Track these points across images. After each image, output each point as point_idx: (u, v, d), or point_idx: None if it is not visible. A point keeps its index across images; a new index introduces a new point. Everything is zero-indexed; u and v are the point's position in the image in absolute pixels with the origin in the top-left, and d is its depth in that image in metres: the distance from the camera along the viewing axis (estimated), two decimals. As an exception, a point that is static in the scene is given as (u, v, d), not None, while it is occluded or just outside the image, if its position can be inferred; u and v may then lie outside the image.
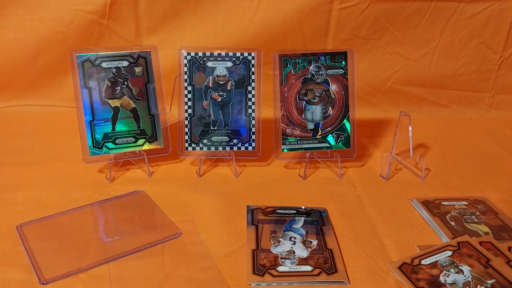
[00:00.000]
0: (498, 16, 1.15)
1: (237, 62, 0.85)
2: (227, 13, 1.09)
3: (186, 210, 0.75)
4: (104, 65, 0.82)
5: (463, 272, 0.61)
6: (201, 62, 0.85)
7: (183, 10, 1.09)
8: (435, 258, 0.64)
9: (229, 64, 0.85)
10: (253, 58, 0.85)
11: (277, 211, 0.75)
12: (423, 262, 0.63)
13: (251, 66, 0.86)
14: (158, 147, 0.87)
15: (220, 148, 0.87)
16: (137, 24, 1.09)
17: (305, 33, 1.12)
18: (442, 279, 0.60)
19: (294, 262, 0.63)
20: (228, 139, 0.87)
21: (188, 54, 0.85)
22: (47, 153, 0.93)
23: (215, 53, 0.85)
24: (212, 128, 0.86)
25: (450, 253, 0.64)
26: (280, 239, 0.68)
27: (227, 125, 0.87)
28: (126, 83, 0.84)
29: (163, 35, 1.11)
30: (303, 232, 0.70)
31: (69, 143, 0.96)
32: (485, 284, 0.59)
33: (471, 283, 0.59)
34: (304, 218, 0.73)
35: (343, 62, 0.87)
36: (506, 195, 0.85)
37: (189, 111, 0.86)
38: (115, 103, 0.84)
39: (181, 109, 0.86)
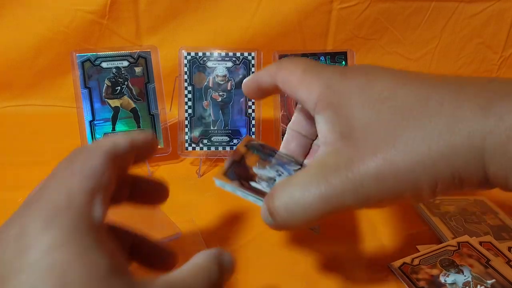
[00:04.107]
0: (498, 16, 1.15)
1: (237, 62, 0.85)
2: (227, 13, 1.09)
3: (186, 210, 0.75)
4: (104, 65, 0.82)
5: (463, 272, 0.61)
6: (201, 62, 0.85)
7: (183, 10, 1.09)
8: (435, 258, 0.64)
9: (229, 64, 0.85)
10: (253, 58, 0.85)
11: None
12: (423, 262, 0.63)
13: (251, 66, 0.86)
14: (158, 147, 0.87)
15: (220, 148, 0.87)
16: (137, 24, 1.09)
17: (305, 33, 1.12)
18: (442, 279, 0.60)
19: (271, 186, 0.52)
20: (228, 139, 0.87)
21: (188, 54, 0.85)
22: (47, 153, 0.93)
23: (215, 53, 0.85)
24: (212, 128, 0.86)
25: (450, 253, 0.64)
26: (267, 166, 0.56)
27: (227, 125, 0.87)
28: (126, 83, 0.84)
29: (163, 35, 1.11)
30: (293, 172, 0.57)
31: (69, 143, 0.96)
32: (485, 284, 0.59)
33: (471, 283, 0.59)
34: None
35: (343, 62, 0.87)
36: (506, 195, 0.84)
37: (189, 111, 0.86)
38: (115, 103, 0.84)
39: (181, 109, 0.86)
